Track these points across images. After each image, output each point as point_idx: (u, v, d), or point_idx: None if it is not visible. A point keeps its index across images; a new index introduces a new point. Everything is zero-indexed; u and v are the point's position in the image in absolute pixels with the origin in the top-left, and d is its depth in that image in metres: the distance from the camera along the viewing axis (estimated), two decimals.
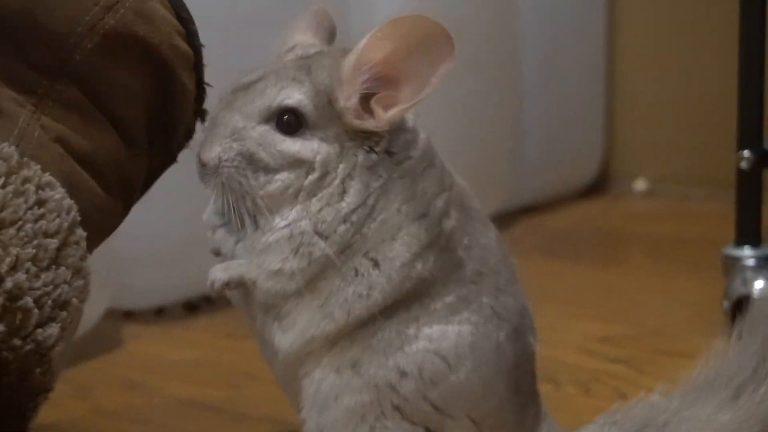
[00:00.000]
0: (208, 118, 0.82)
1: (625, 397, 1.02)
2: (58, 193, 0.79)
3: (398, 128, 0.80)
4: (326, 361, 0.80)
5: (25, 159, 0.79)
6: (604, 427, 0.87)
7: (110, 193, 0.84)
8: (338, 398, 0.80)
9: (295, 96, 0.79)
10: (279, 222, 0.79)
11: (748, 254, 1.23)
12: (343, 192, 0.79)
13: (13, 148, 0.79)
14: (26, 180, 0.78)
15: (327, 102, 0.79)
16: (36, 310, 0.76)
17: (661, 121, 2.06)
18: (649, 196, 2.06)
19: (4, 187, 0.77)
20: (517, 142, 1.87)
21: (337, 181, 0.79)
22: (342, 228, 0.78)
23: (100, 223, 0.84)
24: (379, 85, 0.78)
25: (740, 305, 1.21)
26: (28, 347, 0.76)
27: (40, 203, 0.78)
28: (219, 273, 0.80)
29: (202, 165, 0.79)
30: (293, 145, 0.79)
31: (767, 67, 1.23)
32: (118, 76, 0.83)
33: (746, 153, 1.23)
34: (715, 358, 0.89)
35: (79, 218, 0.80)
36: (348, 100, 0.79)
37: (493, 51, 1.77)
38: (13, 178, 0.78)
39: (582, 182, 2.05)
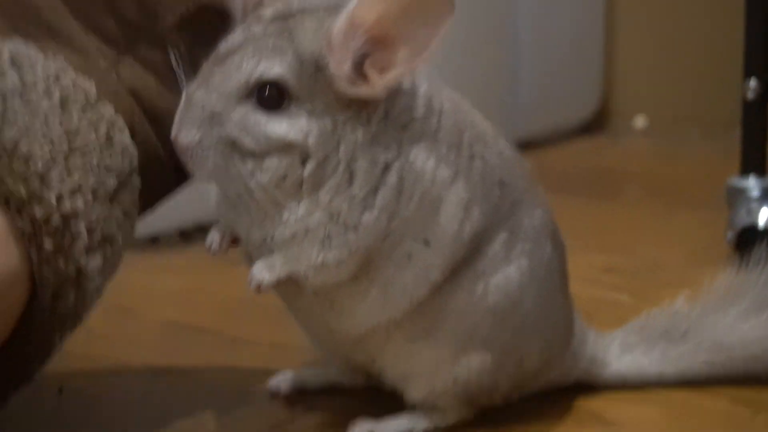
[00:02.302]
0: (184, 94, 0.75)
1: None
2: (126, 138, 0.80)
3: (395, 93, 0.74)
4: (397, 336, 0.79)
5: (101, 97, 0.80)
6: (630, 334, 0.90)
7: (170, 158, 0.82)
8: (415, 357, 0.79)
9: (275, 69, 0.72)
10: (289, 216, 0.74)
11: (753, 184, 1.22)
12: (351, 176, 0.74)
13: (93, 83, 0.80)
14: (101, 116, 0.79)
15: (314, 70, 0.72)
16: (85, 237, 0.77)
17: (660, 59, 2.04)
18: (647, 134, 2.05)
19: (79, 117, 0.78)
20: (512, 78, 1.85)
21: (342, 167, 0.73)
22: (368, 217, 0.74)
23: (154, 182, 0.84)
24: (373, 48, 0.72)
25: (745, 235, 1.21)
26: (69, 270, 0.77)
27: (109, 140, 0.79)
28: (265, 273, 0.75)
29: (181, 149, 0.74)
30: (279, 127, 0.73)
31: None
32: (204, 49, 0.80)
33: (752, 82, 1.21)
34: (744, 274, 0.89)
35: (137, 166, 0.81)
36: (340, 66, 0.72)
37: None
38: (89, 110, 0.79)
39: (580, 120, 2.03)
